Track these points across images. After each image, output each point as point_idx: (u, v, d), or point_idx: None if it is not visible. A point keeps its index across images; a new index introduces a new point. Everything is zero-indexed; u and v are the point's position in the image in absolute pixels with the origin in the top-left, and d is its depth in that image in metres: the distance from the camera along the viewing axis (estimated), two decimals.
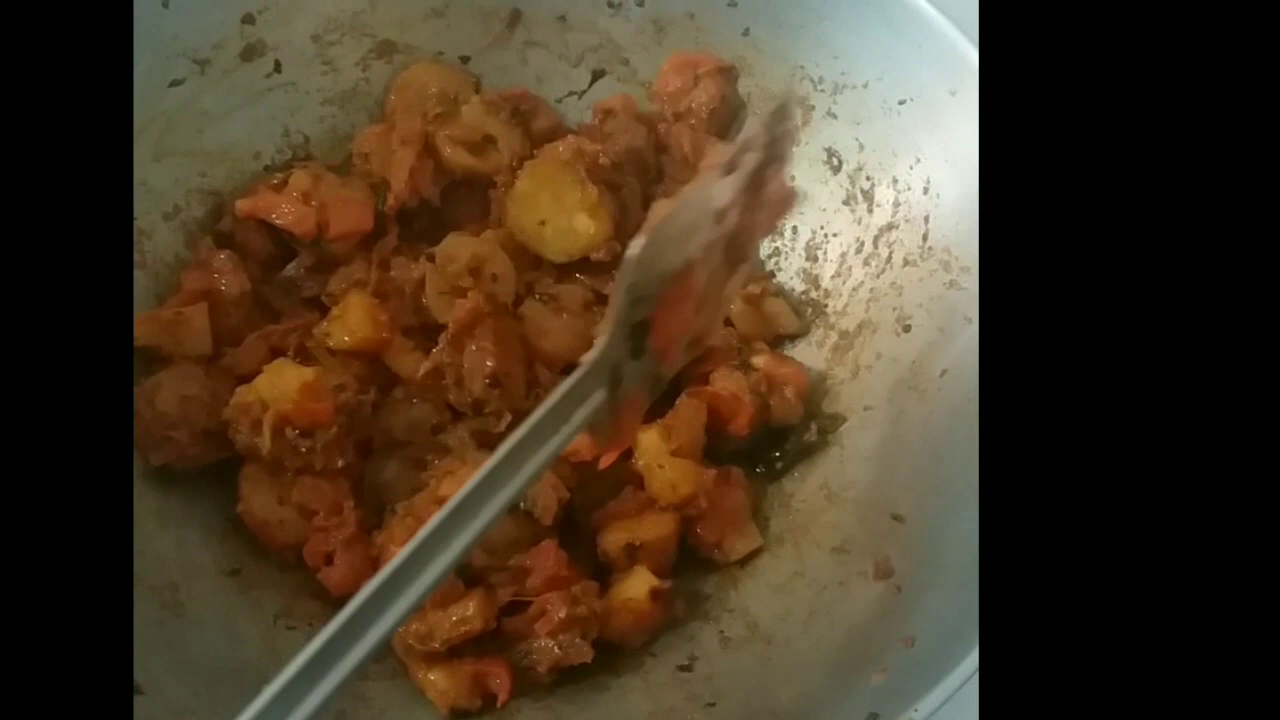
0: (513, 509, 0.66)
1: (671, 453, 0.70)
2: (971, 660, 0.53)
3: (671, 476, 0.70)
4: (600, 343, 0.51)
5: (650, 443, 0.70)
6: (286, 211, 0.74)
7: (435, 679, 0.65)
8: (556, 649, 0.65)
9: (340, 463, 0.69)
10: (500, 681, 0.64)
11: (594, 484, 0.71)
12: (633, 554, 0.69)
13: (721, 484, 0.71)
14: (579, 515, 0.71)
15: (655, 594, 0.67)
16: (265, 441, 0.67)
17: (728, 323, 0.78)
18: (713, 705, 0.63)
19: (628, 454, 0.71)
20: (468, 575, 0.66)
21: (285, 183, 0.76)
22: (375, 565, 0.68)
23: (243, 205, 0.75)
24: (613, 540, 0.69)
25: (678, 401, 0.73)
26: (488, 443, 0.71)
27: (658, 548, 0.69)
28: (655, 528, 0.70)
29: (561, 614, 0.64)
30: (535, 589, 0.66)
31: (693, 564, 0.72)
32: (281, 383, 0.68)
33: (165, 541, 0.68)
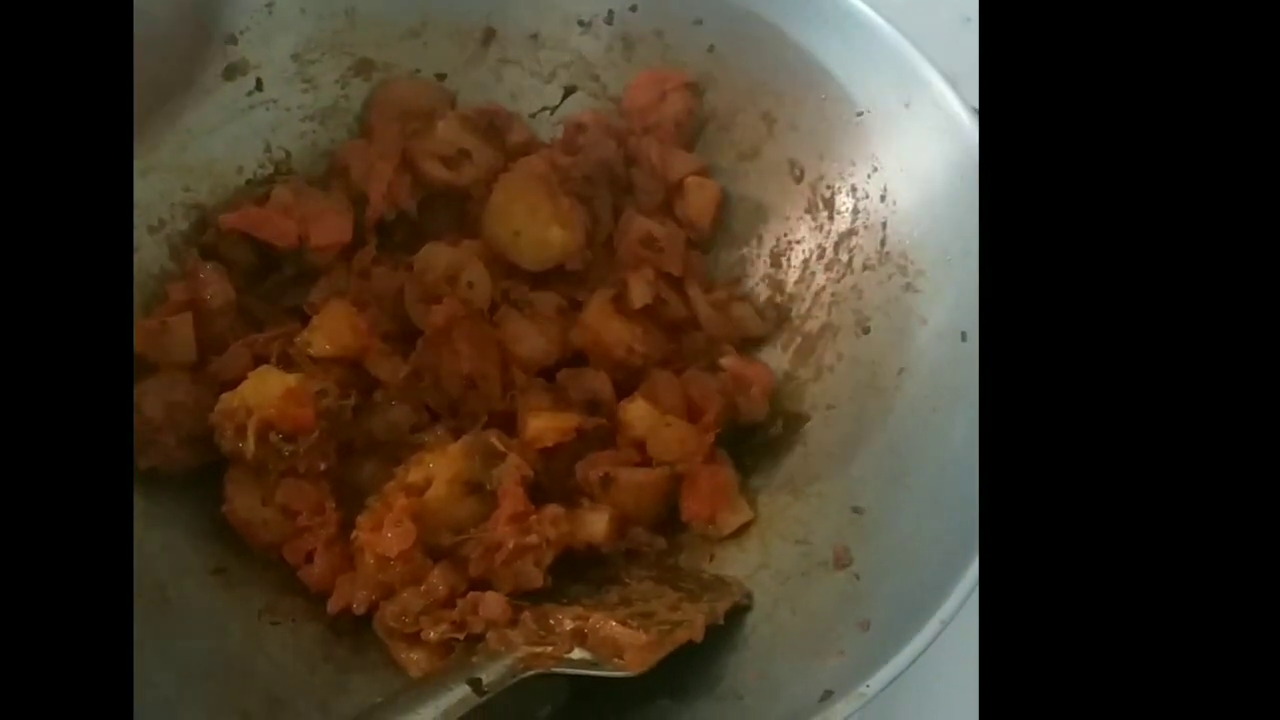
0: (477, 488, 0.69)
1: (664, 413, 0.74)
2: (920, 639, 0.56)
3: (679, 433, 0.74)
4: None
5: (641, 410, 0.74)
6: (269, 224, 0.77)
7: (417, 658, 0.67)
8: (512, 576, 0.68)
9: (322, 465, 0.72)
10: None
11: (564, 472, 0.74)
12: (606, 485, 0.72)
13: (710, 460, 0.74)
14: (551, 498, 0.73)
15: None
16: (250, 446, 0.70)
17: (696, 326, 0.82)
18: (681, 688, 0.66)
19: (610, 438, 0.74)
20: (436, 553, 0.69)
21: (267, 196, 0.79)
22: (352, 562, 0.70)
23: (226, 219, 0.77)
24: (591, 471, 0.73)
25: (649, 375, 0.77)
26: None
27: (633, 491, 0.73)
28: (636, 473, 0.73)
29: (510, 544, 0.67)
30: (498, 527, 0.68)
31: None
32: (265, 389, 0.70)
33: (153, 542, 0.70)
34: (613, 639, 0.62)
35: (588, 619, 0.64)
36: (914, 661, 0.56)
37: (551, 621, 0.64)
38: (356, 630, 0.70)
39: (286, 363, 0.75)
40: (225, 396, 0.71)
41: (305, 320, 0.77)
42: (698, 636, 0.64)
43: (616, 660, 0.62)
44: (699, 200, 0.84)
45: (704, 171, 0.85)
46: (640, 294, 0.79)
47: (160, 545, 0.70)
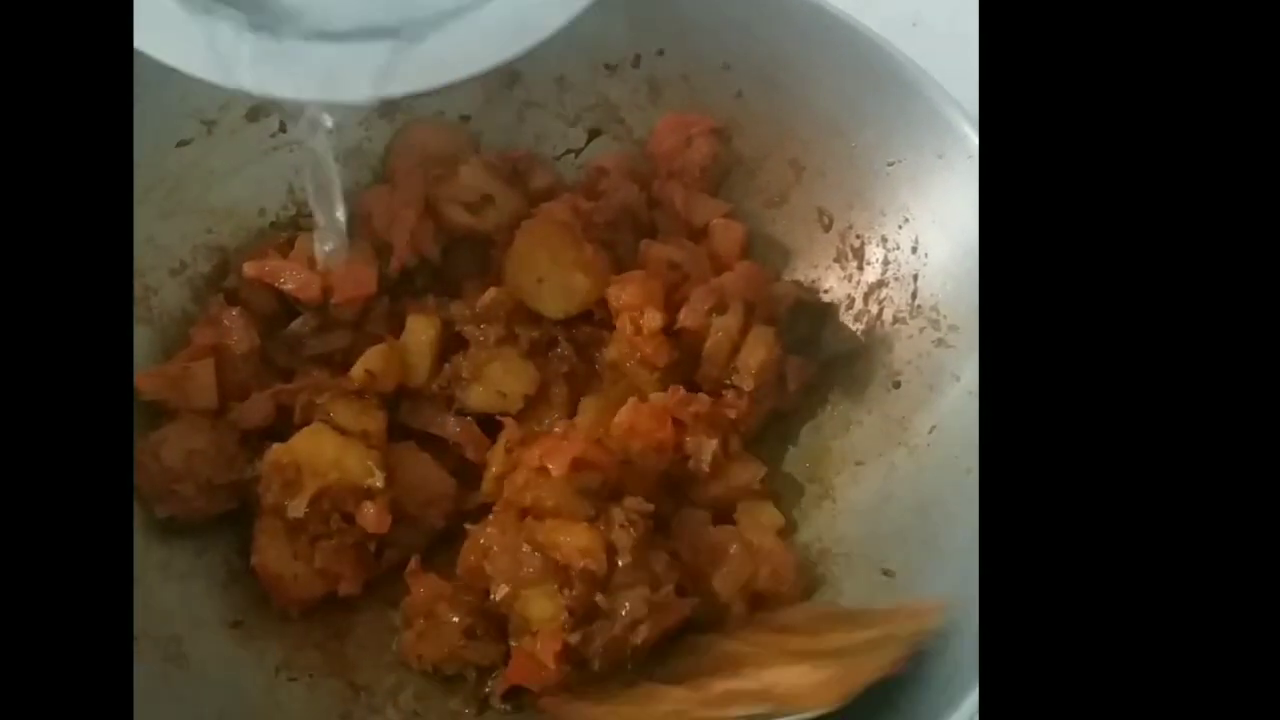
0: None
1: None
2: (958, 716, 0.55)
3: None
4: None
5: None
6: (292, 276, 0.75)
7: None
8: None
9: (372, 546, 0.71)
10: None
11: None
12: None
13: None
14: None
15: None
16: (300, 506, 0.68)
17: None
18: None
19: None
20: None
21: (291, 241, 0.78)
22: None
23: (250, 269, 0.76)
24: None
25: None
26: None
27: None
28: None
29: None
30: None
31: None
32: (320, 450, 0.69)
33: (169, 594, 0.69)
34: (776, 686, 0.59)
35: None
36: None
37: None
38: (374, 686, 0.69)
39: (310, 413, 0.73)
40: (276, 449, 0.70)
41: (330, 369, 0.76)
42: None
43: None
44: (725, 242, 0.83)
45: (729, 216, 0.84)
46: None
47: (177, 597, 0.70)
